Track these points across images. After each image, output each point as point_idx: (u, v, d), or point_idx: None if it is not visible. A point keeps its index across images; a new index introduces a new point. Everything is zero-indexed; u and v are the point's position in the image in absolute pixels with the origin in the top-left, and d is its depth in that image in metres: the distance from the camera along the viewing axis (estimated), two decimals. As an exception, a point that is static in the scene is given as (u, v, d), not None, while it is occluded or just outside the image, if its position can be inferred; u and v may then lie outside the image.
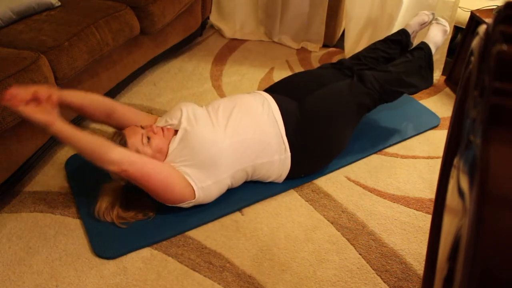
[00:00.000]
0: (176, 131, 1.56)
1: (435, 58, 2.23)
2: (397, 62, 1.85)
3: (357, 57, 1.91)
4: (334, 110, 1.67)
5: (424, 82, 1.84)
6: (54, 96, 1.38)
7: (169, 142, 1.53)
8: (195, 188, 1.48)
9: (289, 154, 1.60)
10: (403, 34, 1.95)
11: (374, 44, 1.96)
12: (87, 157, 1.39)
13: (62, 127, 1.34)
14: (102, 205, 1.50)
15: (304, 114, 1.64)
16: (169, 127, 1.58)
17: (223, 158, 1.50)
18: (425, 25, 1.99)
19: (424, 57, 1.85)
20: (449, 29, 1.97)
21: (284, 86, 1.78)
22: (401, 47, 1.94)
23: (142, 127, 1.53)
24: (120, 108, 1.61)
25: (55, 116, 1.34)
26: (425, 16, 1.99)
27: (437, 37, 1.92)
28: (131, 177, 1.41)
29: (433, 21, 1.97)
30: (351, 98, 1.70)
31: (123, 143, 1.44)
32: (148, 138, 1.48)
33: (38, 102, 1.33)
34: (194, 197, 1.49)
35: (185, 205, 1.51)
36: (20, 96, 1.31)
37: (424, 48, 1.86)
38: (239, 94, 1.72)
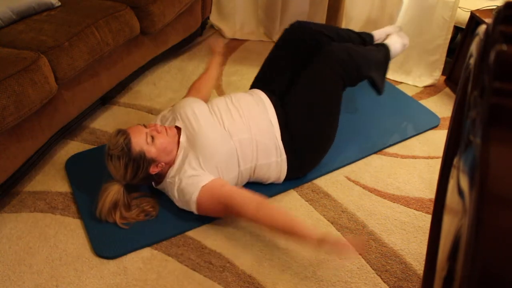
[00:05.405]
0: (178, 129, 1.57)
1: (434, 58, 2.24)
2: (363, 47, 1.87)
3: (323, 26, 1.87)
4: (315, 105, 1.65)
5: (379, 79, 1.85)
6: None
7: (175, 142, 1.53)
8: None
9: (284, 157, 1.60)
10: (368, 36, 1.98)
11: (343, 29, 1.97)
12: None
13: None
14: (105, 206, 1.50)
15: (290, 115, 1.64)
16: (169, 125, 1.58)
17: (231, 157, 1.52)
18: (389, 36, 2.04)
19: (384, 55, 1.88)
20: (407, 45, 2.01)
21: (267, 84, 1.79)
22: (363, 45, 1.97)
23: (146, 126, 1.53)
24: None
25: None
26: (391, 29, 2.05)
27: (396, 45, 1.95)
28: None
29: (396, 32, 2.02)
30: (324, 83, 1.68)
31: (127, 142, 1.44)
32: (152, 137, 1.48)
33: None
34: None
35: None
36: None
37: (386, 47, 1.91)
38: (238, 93, 1.72)
